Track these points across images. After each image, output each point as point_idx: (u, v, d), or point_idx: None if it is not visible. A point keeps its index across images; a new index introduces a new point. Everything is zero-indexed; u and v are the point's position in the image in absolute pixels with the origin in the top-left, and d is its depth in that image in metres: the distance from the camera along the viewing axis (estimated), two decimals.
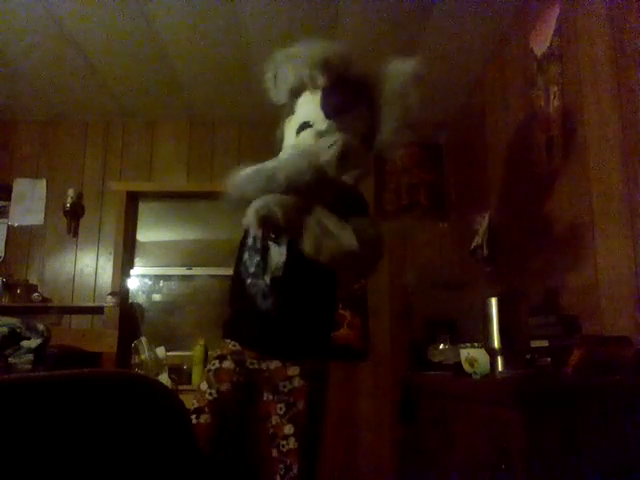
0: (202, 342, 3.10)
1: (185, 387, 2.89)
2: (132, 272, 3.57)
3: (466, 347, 1.72)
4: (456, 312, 2.75)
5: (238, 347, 1.67)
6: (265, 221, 1.47)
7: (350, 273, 2.19)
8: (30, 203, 3.51)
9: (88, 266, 3.46)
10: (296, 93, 1.71)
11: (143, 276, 3.60)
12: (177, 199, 3.67)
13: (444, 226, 3.52)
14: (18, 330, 2.26)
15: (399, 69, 1.65)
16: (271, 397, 1.62)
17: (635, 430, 1.16)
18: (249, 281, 1.66)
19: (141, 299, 3.59)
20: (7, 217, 3.49)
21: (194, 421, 1.56)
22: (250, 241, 1.70)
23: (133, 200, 3.63)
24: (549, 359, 1.56)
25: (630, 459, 1.15)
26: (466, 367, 1.70)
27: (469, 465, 1.53)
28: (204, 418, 1.57)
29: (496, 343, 1.42)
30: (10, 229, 3.48)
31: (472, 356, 1.65)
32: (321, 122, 1.64)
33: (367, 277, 3.08)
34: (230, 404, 1.62)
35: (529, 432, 1.15)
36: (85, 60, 2.95)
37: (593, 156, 1.84)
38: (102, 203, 3.53)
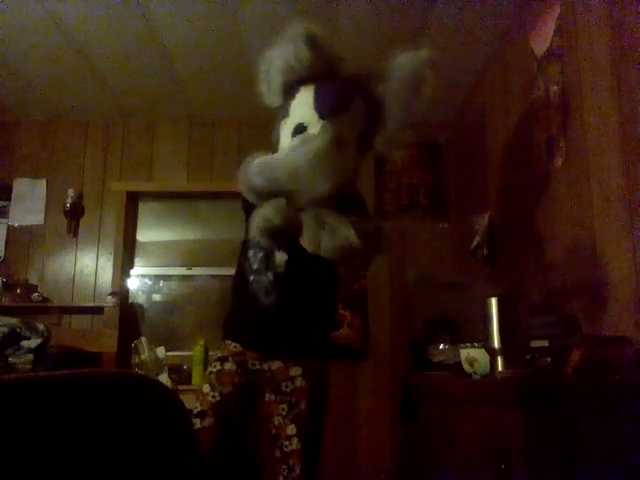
0: (202, 342, 3.11)
1: (185, 387, 2.88)
2: (132, 272, 3.57)
3: (466, 347, 1.72)
4: (456, 312, 2.74)
5: (239, 348, 1.67)
6: (268, 235, 1.47)
7: (350, 267, 2.18)
8: (30, 203, 3.51)
9: (88, 266, 3.46)
10: (289, 91, 1.63)
11: (143, 276, 3.60)
12: (177, 199, 3.67)
13: (444, 226, 3.52)
14: (18, 330, 2.26)
15: (410, 57, 1.59)
16: (273, 397, 1.62)
17: (635, 430, 1.16)
18: (252, 277, 1.66)
19: (141, 299, 3.59)
20: (7, 217, 3.49)
21: (198, 425, 1.55)
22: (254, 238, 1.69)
23: (133, 200, 3.63)
24: (549, 359, 1.55)
25: (630, 459, 1.15)
26: (466, 367, 1.70)
27: (469, 465, 1.53)
28: (208, 421, 1.57)
29: (496, 343, 1.42)
30: (10, 229, 3.49)
31: (472, 356, 1.65)
32: (315, 123, 1.54)
33: (365, 271, 3.07)
34: (233, 406, 1.62)
35: (529, 432, 1.15)
36: (85, 60, 2.95)
37: (593, 156, 1.84)
38: (102, 203, 3.53)
